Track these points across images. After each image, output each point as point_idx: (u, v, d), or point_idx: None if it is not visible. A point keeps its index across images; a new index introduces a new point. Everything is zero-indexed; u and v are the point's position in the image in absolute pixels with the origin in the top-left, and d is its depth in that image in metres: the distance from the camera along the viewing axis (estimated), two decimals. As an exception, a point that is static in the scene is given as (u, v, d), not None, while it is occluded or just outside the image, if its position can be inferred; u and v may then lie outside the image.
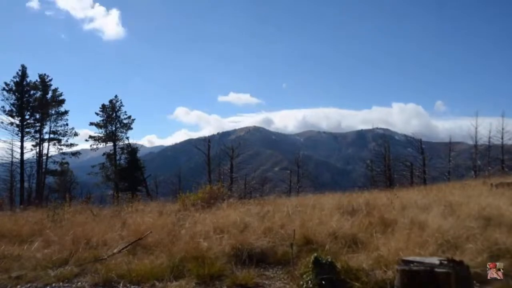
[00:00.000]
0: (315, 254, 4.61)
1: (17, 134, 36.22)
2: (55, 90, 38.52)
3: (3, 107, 35.91)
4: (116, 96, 40.11)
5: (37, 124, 37.62)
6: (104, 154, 39.64)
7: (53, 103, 38.34)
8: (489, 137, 32.91)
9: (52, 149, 38.68)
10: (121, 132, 39.65)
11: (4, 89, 35.82)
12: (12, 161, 35.86)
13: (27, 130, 36.81)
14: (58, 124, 38.86)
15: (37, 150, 37.40)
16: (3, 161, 35.84)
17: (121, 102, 40.04)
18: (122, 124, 39.75)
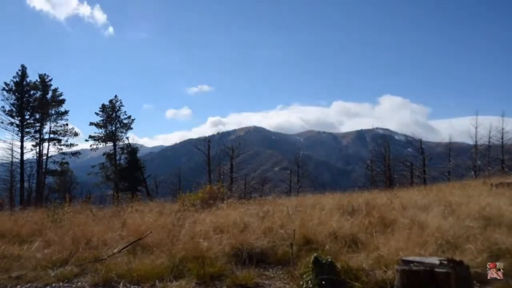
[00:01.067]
0: (315, 254, 4.60)
1: (17, 134, 36.28)
2: (55, 90, 38.57)
3: (3, 107, 35.99)
4: (116, 96, 40.18)
5: (37, 124, 37.65)
6: (104, 154, 39.63)
7: (53, 103, 38.35)
8: (489, 137, 32.97)
9: (52, 149, 38.75)
10: (121, 132, 39.69)
11: (4, 89, 35.88)
12: (12, 161, 35.88)
13: (27, 130, 36.83)
14: (58, 124, 38.95)
15: (37, 150, 37.45)
16: (3, 161, 35.90)
17: (121, 102, 40.12)
18: (122, 124, 39.76)
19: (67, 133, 39.00)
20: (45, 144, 38.04)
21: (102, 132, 39.54)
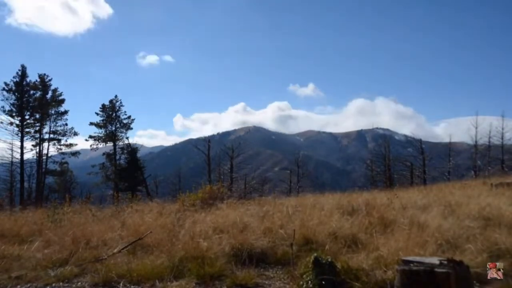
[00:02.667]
0: (315, 254, 4.60)
1: (17, 134, 36.23)
2: (54, 90, 38.53)
3: (3, 107, 35.94)
4: (116, 96, 40.16)
5: (37, 124, 37.60)
6: (104, 154, 39.62)
7: (53, 103, 38.34)
8: (489, 137, 32.97)
9: (52, 149, 38.72)
10: (121, 132, 39.66)
11: (4, 89, 35.85)
12: (12, 161, 35.84)
13: (27, 130, 36.78)
14: (57, 124, 38.92)
15: (37, 150, 37.42)
16: (3, 161, 35.83)
17: (121, 102, 40.08)
18: (122, 124, 39.73)
19: (66, 133, 39.03)
20: (45, 144, 38.06)
21: (102, 132, 39.56)
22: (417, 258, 3.96)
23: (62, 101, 38.93)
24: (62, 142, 38.85)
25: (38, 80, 37.82)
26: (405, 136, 43.64)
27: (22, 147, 36.11)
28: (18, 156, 35.87)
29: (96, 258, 5.65)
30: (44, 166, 37.48)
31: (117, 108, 39.81)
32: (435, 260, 3.75)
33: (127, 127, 39.83)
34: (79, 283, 4.97)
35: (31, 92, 37.20)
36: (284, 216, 7.86)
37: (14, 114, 36.13)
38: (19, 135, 36.21)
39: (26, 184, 36.34)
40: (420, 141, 35.76)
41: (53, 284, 4.96)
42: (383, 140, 39.26)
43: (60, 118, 38.88)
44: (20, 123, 36.25)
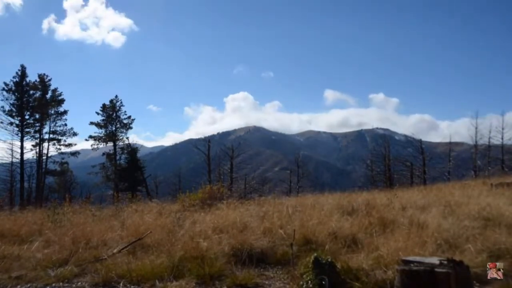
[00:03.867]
0: (315, 254, 4.60)
1: (17, 134, 36.27)
2: (54, 90, 38.56)
3: (3, 107, 35.96)
4: (116, 96, 40.18)
5: (37, 124, 37.61)
6: (104, 154, 39.63)
7: (53, 103, 38.34)
8: (489, 137, 32.99)
9: (51, 149, 38.73)
10: (121, 132, 39.69)
11: (4, 89, 35.86)
12: (12, 161, 35.88)
13: (27, 130, 36.81)
14: (57, 124, 38.93)
15: (37, 150, 37.42)
16: (3, 161, 35.87)
17: (121, 102, 40.12)
18: (122, 124, 39.75)
19: (66, 133, 39.03)
20: (45, 144, 38.07)
21: (102, 132, 39.58)
22: (417, 258, 3.96)
23: (62, 101, 38.98)
24: (62, 142, 38.90)
25: (38, 80, 37.85)
26: (405, 136, 43.57)
27: (22, 147, 36.15)
28: (18, 156, 35.93)
29: (96, 258, 5.65)
30: (44, 166, 37.48)
31: (118, 108, 39.85)
32: (435, 260, 3.76)
33: (127, 127, 39.89)
34: (79, 283, 4.97)
35: (31, 92, 37.24)
36: (284, 216, 7.86)
37: (14, 114, 36.16)
38: (19, 135, 36.26)
39: (26, 184, 36.37)
40: (420, 141, 35.77)
41: (53, 284, 4.96)
42: (383, 140, 39.25)
43: (60, 118, 38.94)
44: (20, 123, 36.27)
